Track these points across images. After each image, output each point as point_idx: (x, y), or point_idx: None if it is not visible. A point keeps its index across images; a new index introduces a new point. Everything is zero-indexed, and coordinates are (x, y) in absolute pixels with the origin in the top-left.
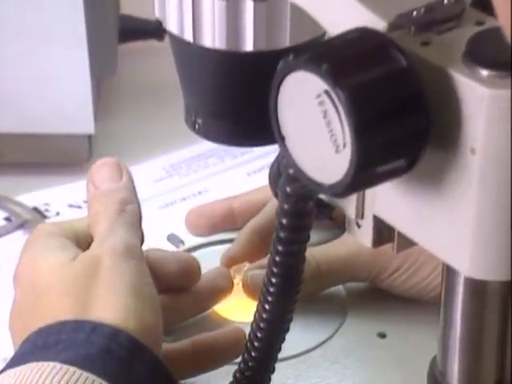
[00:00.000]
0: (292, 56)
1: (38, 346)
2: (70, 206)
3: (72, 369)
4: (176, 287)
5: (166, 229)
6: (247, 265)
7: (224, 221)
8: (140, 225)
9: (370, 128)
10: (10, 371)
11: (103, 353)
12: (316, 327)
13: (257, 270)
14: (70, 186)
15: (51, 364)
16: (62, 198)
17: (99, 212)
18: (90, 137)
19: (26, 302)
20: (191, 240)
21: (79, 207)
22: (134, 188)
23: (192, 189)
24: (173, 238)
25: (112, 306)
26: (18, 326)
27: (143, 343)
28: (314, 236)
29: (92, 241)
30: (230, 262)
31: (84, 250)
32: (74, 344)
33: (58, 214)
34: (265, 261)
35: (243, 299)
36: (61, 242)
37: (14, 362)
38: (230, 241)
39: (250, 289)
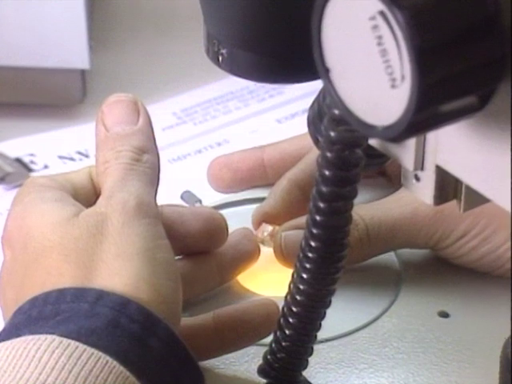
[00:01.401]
0: None
1: (32, 317)
2: (61, 157)
3: (74, 343)
4: (197, 250)
5: (178, 186)
6: (276, 228)
7: (253, 175)
8: (157, 179)
9: (433, 56)
10: (1, 345)
11: (110, 327)
12: (364, 303)
13: (292, 230)
14: (61, 133)
15: (49, 337)
16: (51, 148)
17: (109, 160)
18: (83, 72)
19: (17, 266)
20: (210, 198)
21: (72, 159)
22: (152, 133)
23: (209, 139)
24: (188, 197)
25: (120, 272)
26: (9, 294)
27: (157, 316)
28: (361, 195)
29: (93, 198)
30: (263, 220)
31: (86, 207)
32: (75, 316)
33: (45, 166)
34: (302, 220)
35: (273, 270)
36: (58, 195)
37: (4, 336)
38: (259, 200)
39: (283, 253)
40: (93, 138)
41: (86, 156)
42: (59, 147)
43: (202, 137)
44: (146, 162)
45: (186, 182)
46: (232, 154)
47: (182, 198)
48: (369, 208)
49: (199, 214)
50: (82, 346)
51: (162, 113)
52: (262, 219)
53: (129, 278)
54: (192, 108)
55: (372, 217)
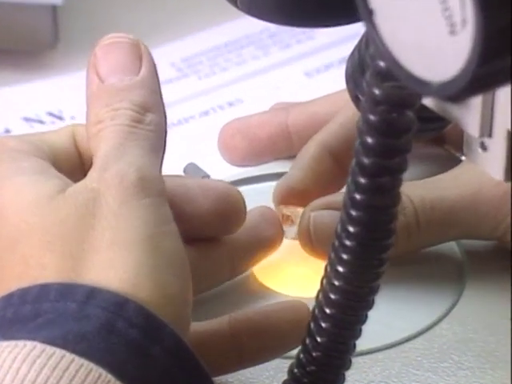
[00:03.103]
0: None
1: (6, 318)
2: (27, 119)
3: (59, 352)
4: (206, 234)
5: (180, 157)
6: (300, 211)
7: (275, 144)
8: (163, 146)
9: None
10: None
11: (104, 332)
12: (416, 305)
13: (323, 210)
14: (27, 88)
15: (28, 344)
16: (15, 108)
17: (103, 121)
18: (55, 10)
19: None
20: (221, 173)
21: (41, 122)
22: (157, 86)
23: (218, 97)
24: (192, 171)
25: (116, 264)
26: None
27: (161, 319)
28: (412, 170)
29: (78, 166)
30: (289, 197)
31: (70, 179)
32: (60, 317)
33: (7, 131)
34: (336, 197)
35: (299, 264)
36: (37, 165)
37: None
38: (282, 175)
39: (311, 239)
40: (68, 95)
41: (60, 118)
42: (24, 106)
43: (209, 94)
44: (150, 123)
45: (190, 152)
46: (248, 117)
47: (185, 172)
48: (419, 187)
49: (210, 188)
50: (69, 356)
51: (157, 63)
52: (286, 196)
53: (126, 272)
54: (196, 57)
55: (423, 198)
